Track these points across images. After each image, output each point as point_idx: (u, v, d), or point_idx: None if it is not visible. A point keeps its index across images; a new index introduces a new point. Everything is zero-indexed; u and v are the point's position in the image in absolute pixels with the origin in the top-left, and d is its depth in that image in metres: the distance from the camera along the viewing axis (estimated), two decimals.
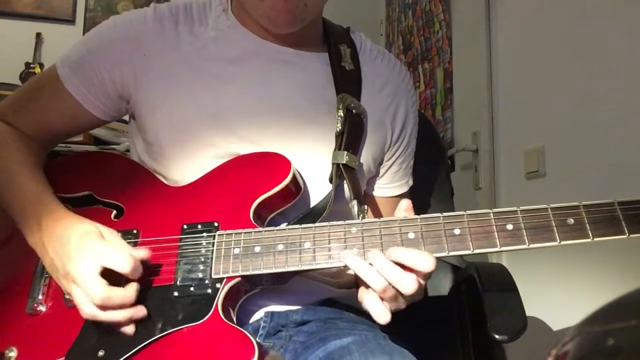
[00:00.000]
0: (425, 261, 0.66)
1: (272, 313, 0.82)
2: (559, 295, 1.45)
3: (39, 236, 0.75)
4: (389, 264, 0.66)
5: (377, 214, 0.97)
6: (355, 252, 0.69)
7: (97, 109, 0.88)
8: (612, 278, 1.22)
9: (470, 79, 2.03)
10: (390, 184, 0.97)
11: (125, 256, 0.69)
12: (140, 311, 0.70)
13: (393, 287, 0.66)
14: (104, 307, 0.68)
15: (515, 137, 1.76)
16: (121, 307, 0.69)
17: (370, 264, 0.67)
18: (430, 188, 0.99)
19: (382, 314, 0.67)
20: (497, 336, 0.87)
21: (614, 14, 1.34)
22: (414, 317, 0.69)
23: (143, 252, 0.71)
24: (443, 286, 1.21)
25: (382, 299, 0.67)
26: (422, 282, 0.67)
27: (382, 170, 0.95)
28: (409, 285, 0.65)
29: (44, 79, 0.91)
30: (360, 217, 0.79)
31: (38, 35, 2.66)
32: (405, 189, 0.99)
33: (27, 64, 2.57)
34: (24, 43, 2.63)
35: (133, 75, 0.85)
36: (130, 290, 0.69)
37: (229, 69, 0.86)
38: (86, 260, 0.68)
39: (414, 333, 0.83)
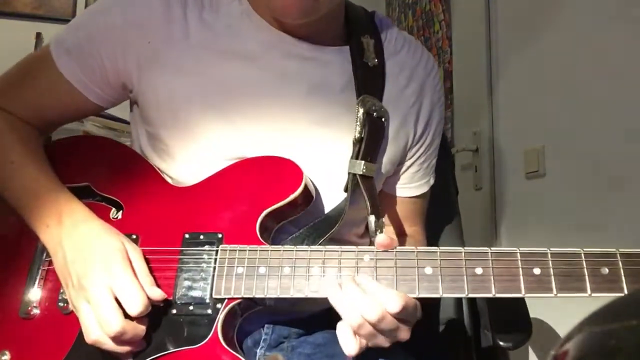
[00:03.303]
0: (392, 301, 0.61)
1: (274, 324, 0.79)
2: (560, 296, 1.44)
3: (56, 232, 0.70)
4: (359, 293, 0.62)
5: (394, 214, 0.93)
6: (334, 284, 0.64)
7: (97, 96, 0.82)
8: None
9: (470, 79, 2.03)
10: (408, 184, 0.92)
11: (140, 299, 0.64)
12: (141, 346, 0.67)
13: (362, 316, 0.61)
14: (114, 339, 0.64)
15: (515, 137, 1.76)
16: (129, 343, 0.65)
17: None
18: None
19: (348, 345, 0.63)
20: (502, 343, 0.86)
21: (614, 14, 1.34)
22: (418, 323, 0.67)
23: (159, 295, 0.67)
24: None
25: (355, 333, 0.63)
26: (395, 320, 0.62)
27: (400, 170, 0.90)
28: (373, 313, 0.61)
29: (37, 63, 0.84)
30: (377, 232, 0.74)
31: (38, 35, 2.66)
32: (425, 189, 0.94)
33: None
34: (24, 43, 2.62)
35: (136, 65, 0.78)
36: (142, 329, 0.65)
37: (241, 64, 0.79)
38: (104, 282, 0.64)
39: (416, 337, 0.83)
